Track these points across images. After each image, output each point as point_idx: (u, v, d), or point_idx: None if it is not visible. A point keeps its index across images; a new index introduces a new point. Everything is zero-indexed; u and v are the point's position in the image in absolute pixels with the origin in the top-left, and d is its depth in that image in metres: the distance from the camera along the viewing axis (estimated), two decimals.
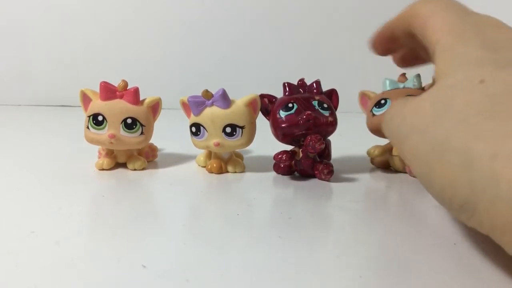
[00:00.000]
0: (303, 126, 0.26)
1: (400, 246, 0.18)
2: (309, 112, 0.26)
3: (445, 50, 0.19)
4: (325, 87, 0.29)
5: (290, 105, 0.27)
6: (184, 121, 0.30)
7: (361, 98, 0.31)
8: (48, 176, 0.28)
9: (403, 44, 0.26)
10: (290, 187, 0.27)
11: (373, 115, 0.28)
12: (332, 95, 0.29)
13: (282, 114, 0.27)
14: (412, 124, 0.18)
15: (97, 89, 0.28)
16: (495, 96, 0.15)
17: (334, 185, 0.27)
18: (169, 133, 0.40)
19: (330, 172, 0.27)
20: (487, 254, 0.17)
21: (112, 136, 0.27)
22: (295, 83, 0.29)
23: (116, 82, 0.29)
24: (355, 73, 0.65)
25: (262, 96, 0.29)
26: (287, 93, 0.28)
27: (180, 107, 0.30)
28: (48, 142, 0.40)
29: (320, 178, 0.28)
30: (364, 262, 0.17)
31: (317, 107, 0.27)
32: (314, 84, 0.29)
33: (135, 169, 0.30)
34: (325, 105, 0.27)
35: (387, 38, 0.26)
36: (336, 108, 0.29)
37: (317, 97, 0.28)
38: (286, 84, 0.29)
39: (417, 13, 0.23)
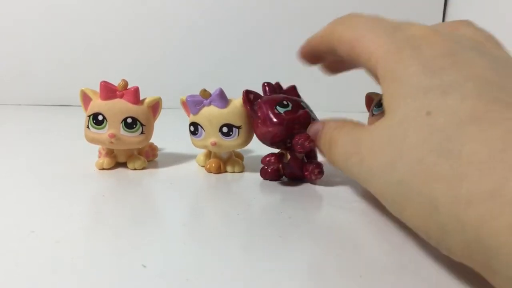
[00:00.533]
0: (303, 123, 0.26)
1: (400, 246, 0.18)
2: (306, 110, 0.26)
3: (387, 76, 0.18)
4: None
5: (285, 102, 0.26)
6: (184, 121, 0.30)
7: (367, 100, 0.31)
8: (48, 176, 0.28)
9: (329, 57, 0.26)
10: (290, 187, 0.27)
11: (373, 114, 0.28)
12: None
13: (281, 110, 0.26)
14: (372, 167, 0.17)
15: (97, 89, 0.28)
16: (444, 129, 0.14)
17: (334, 185, 0.27)
18: (169, 133, 0.40)
19: (321, 172, 0.26)
20: None
21: (112, 136, 0.27)
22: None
23: (116, 81, 0.29)
24: (355, 73, 0.65)
25: (248, 92, 0.27)
26: (267, 94, 0.27)
27: (181, 106, 0.30)
28: (48, 142, 0.40)
29: (311, 179, 0.26)
30: (364, 262, 0.17)
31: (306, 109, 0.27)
32: (291, 89, 0.28)
33: (135, 169, 0.30)
34: (311, 109, 0.27)
35: (311, 54, 0.26)
36: None
37: (303, 100, 0.28)
38: (266, 84, 0.28)
39: (340, 37, 0.21)
